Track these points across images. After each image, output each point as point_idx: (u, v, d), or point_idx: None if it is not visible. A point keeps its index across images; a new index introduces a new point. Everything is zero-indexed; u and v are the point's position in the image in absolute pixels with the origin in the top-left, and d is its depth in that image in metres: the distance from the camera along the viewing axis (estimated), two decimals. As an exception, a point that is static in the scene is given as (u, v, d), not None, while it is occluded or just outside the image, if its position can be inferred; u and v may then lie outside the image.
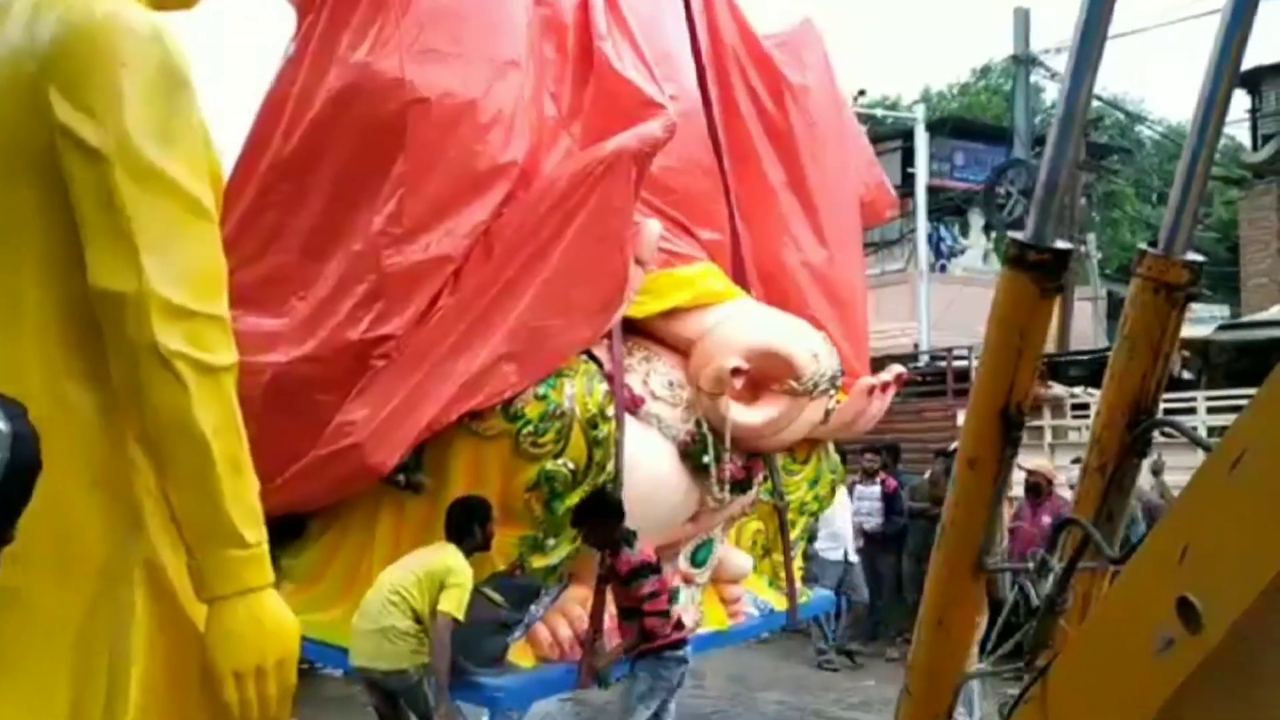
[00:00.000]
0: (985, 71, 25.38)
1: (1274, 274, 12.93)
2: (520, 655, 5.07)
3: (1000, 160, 16.31)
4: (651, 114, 5.18)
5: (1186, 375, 10.04)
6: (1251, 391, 1.22)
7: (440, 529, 4.96)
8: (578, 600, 5.41)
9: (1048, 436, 8.74)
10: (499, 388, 4.75)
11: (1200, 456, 1.29)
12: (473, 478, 4.92)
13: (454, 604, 4.34)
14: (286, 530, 5.52)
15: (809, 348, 5.98)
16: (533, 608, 5.13)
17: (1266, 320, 9.09)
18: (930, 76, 47.84)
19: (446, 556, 4.50)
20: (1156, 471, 7.38)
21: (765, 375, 5.78)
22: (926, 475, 9.54)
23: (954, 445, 9.10)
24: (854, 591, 8.96)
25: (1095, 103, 15.47)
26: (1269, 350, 9.12)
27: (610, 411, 5.08)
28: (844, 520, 8.67)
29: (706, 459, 5.66)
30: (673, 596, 5.34)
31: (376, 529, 5.17)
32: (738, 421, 5.69)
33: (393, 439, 4.68)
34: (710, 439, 5.67)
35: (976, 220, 18.40)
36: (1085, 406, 9.09)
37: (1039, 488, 7.81)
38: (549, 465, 4.87)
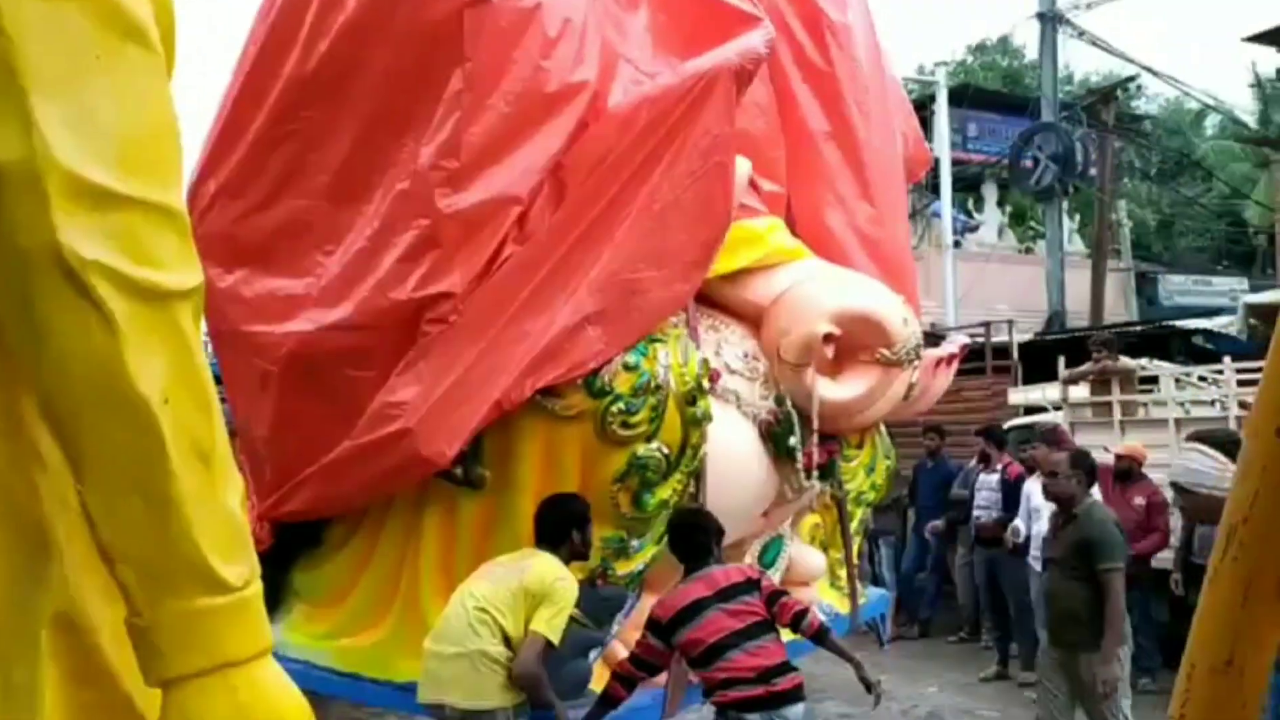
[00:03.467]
0: (981, 48, 24.72)
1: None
2: (598, 681, 4.21)
3: (1015, 131, 15.59)
4: (746, 29, 4.32)
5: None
6: None
7: (504, 532, 4.14)
8: (654, 610, 4.58)
9: (1117, 413, 7.97)
10: (582, 356, 3.88)
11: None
12: (547, 467, 4.05)
13: (547, 623, 3.47)
14: (299, 539, 4.66)
15: (900, 312, 5.30)
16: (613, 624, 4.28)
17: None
18: (922, 55, 47.31)
19: (546, 567, 3.63)
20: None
21: (853, 344, 5.04)
22: (974, 461, 8.79)
23: (1010, 425, 8.33)
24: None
25: (1128, 65, 14.86)
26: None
27: (707, 385, 4.23)
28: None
29: (793, 441, 4.93)
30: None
31: (422, 535, 4.28)
32: (826, 397, 4.96)
33: (452, 422, 3.79)
34: (796, 418, 4.90)
35: (991, 194, 17.72)
36: (1154, 380, 8.38)
37: (1129, 471, 7.11)
38: (641, 450, 4.02)
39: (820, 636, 3.87)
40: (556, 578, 3.57)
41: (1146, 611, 6.85)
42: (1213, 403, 7.81)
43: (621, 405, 3.92)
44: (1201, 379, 8.05)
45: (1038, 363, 10.54)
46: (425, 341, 3.81)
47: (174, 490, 1.07)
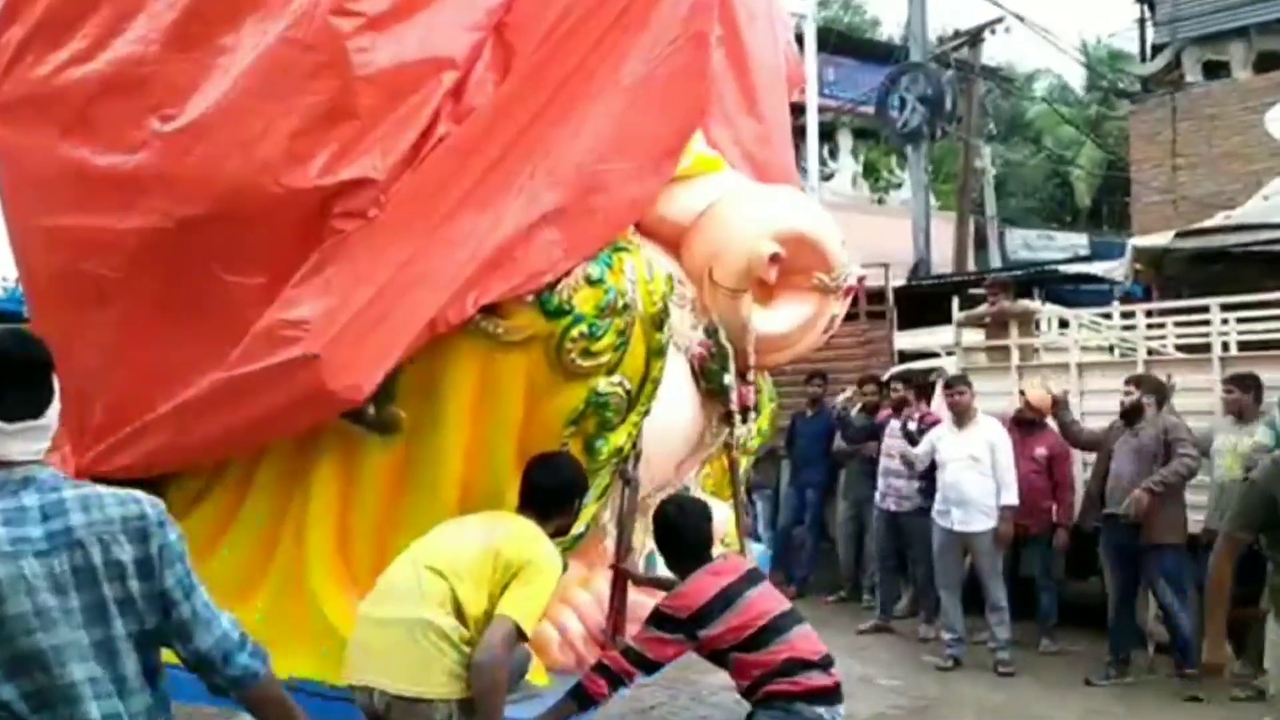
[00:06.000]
0: (824, 3, 24.56)
1: (1169, 191, 12.50)
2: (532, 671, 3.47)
3: (872, 80, 15.35)
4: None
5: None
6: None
7: (420, 486, 3.36)
8: (579, 582, 3.89)
9: (1014, 357, 7.75)
10: (538, 266, 3.09)
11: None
12: (482, 406, 3.25)
13: (521, 606, 2.68)
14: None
15: (838, 234, 4.70)
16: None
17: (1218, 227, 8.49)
18: None
19: (528, 532, 2.86)
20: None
21: (788, 268, 4.42)
22: (857, 408, 8.40)
23: (889, 374, 7.94)
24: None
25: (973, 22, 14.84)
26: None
27: (671, 307, 3.52)
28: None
29: (727, 378, 4.28)
30: None
31: (310, 488, 3.40)
32: (762, 329, 4.33)
33: (370, 348, 2.94)
34: (730, 352, 4.28)
35: (846, 143, 17.55)
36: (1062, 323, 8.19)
37: (1032, 420, 6.82)
38: (602, 385, 3.27)
39: None
40: (542, 549, 2.79)
41: (1046, 569, 6.59)
42: (1111, 348, 7.68)
43: (583, 328, 3.16)
44: (1094, 322, 7.91)
45: (907, 310, 10.33)
46: (335, 242, 2.91)
47: None
